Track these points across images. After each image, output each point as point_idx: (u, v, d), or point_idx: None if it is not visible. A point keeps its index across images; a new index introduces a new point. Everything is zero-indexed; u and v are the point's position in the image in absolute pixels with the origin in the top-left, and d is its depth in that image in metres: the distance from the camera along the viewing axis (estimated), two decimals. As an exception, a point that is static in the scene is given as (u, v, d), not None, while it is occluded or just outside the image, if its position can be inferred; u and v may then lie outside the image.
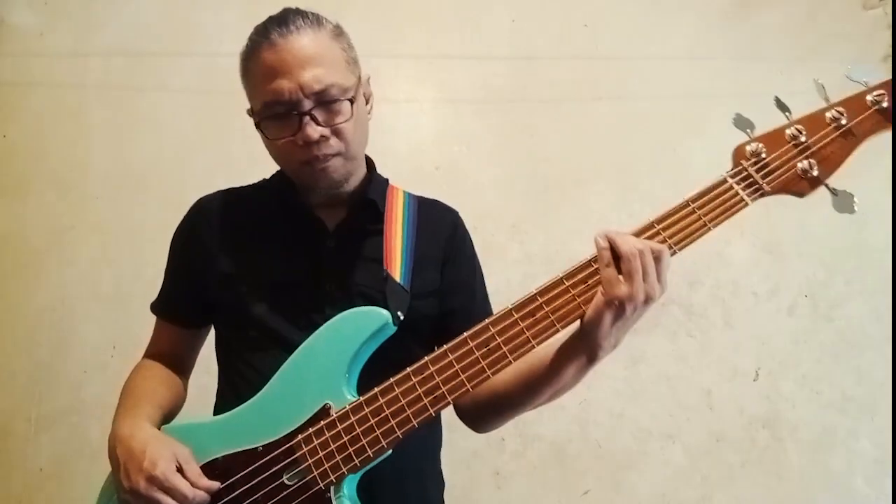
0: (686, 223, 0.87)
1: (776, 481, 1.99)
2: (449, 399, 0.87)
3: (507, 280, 2.05)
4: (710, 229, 0.86)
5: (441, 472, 1.11)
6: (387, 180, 1.15)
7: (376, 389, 0.88)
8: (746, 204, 0.87)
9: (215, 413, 1.03)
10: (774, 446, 2.01)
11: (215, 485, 0.88)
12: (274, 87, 0.93)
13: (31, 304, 2.06)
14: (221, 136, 2.10)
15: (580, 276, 0.87)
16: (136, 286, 2.02)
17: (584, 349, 0.87)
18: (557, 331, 0.87)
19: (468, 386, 0.86)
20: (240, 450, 0.90)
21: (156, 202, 2.09)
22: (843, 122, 0.87)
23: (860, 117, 0.87)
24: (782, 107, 0.90)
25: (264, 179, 1.16)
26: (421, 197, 1.16)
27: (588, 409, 2.01)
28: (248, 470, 0.89)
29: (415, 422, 0.87)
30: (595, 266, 0.86)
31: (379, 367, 0.92)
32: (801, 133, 0.88)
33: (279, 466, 0.88)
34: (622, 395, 2.03)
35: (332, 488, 0.86)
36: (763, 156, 0.88)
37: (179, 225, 1.14)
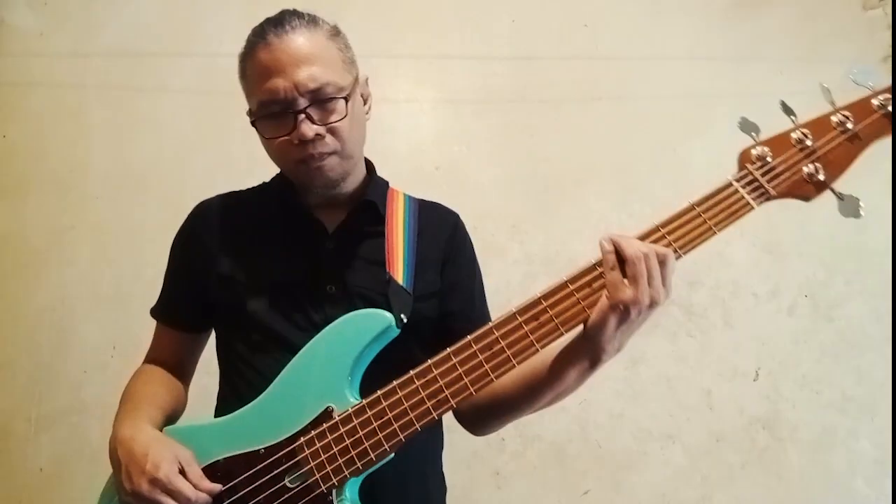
0: (691, 227, 0.86)
1: (776, 481, 1.99)
2: (452, 402, 0.86)
3: (507, 280, 2.05)
4: (715, 233, 0.86)
5: (443, 475, 1.12)
6: (387, 183, 1.15)
7: (379, 392, 0.88)
8: (752, 208, 0.87)
9: (216, 415, 1.03)
10: (774, 446, 2.01)
11: (217, 487, 0.88)
12: (269, 86, 0.93)
13: (31, 304, 2.06)
14: (221, 136, 2.10)
15: (585, 279, 0.86)
16: (136, 286, 2.02)
17: (587, 353, 0.87)
18: (561, 334, 0.86)
19: (471, 389, 0.86)
20: (242, 452, 0.90)
21: (156, 202, 2.09)
22: (850, 125, 0.87)
23: (866, 121, 0.87)
24: (788, 110, 0.89)
25: (264, 182, 1.16)
26: (421, 199, 1.16)
27: (588, 409, 2.01)
28: (249, 472, 0.89)
29: (418, 425, 0.86)
30: (600, 270, 0.85)
31: (380, 369, 0.92)
32: (806, 137, 0.88)
33: (281, 469, 0.88)
34: (622, 395, 2.03)
35: (334, 491, 0.86)
36: (768, 159, 0.88)
37: (179, 229, 1.14)
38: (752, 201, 0.87)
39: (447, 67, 2.23)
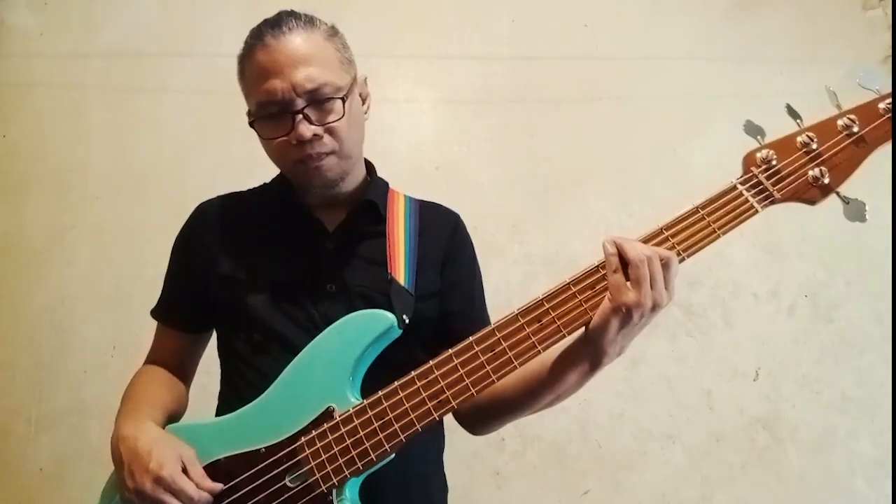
0: (695, 230, 0.86)
1: (776, 482, 1.99)
2: (454, 404, 0.86)
3: (507, 280, 2.05)
4: (719, 236, 0.86)
5: (444, 476, 1.12)
6: (387, 184, 1.15)
7: (380, 393, 0.88)
8: (756, 211, 0.87)
9: (217, 414, 1.04)
10: (774, 447, 2.01)
11: (218, 486, 0.88)
12: (267, 86, 0.94)
13: (31, 304, 2.06)
14: (221, 137, 2.10)
15: (587, 281, 0.86)
16: (136, 286, 2.02)
17: (588, 355, 0.87)
18: (563, 336, 0.86)
19: (473, 391, 0.86)
20: (243, 451, 0.90)
21: (156, 202, 2.09)
22: (855, 129, 0.87)
23: (872, 125, 0.87)
24: (793, 114, 0.89)
25: (265, 183, 1.16)
26: (422, 200, 1.16)
27: (588, 409, 2.01)
28: (250, 472, 0.89)
29: (419, 425, 0.86)
30: (602, 272, 0.85)
31: (381, 369, 0.92)
32: (812, 140, 0.88)
33: (282, 468, 0.88)
34: (622, 395, 2.03)
35: (334, 491, 0.86)
36: (773, 163, 0.88)
37: (180, 230, 1.14)
38: (756, 204, 0.87)
39: (447, 67, 2.23)
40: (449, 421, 1.07)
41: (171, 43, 2.22)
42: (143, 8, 2.25)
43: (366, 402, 0.88)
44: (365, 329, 0.92)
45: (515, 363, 0.86)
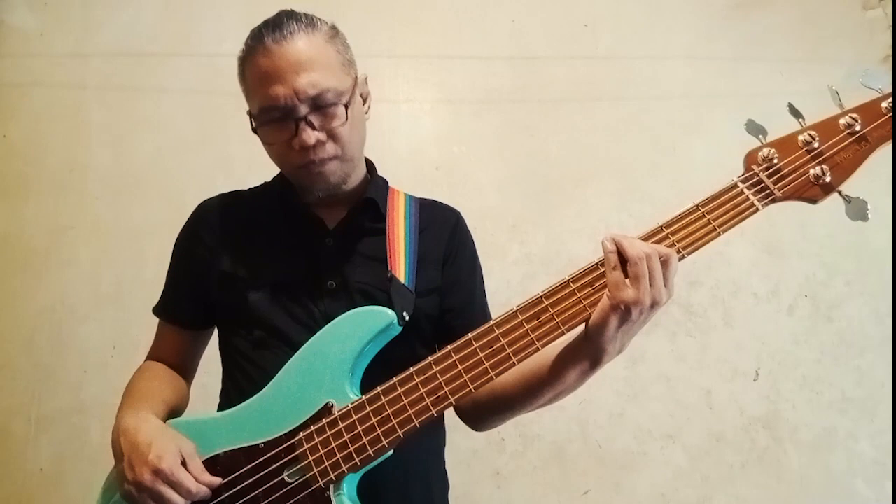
0: (695, 227, 0.86)
1: (776, 482, 1.99)
2: (451, 400, 0.86)
3: (507, 280, 2.05)
4: (719, 234, 0.86)
5: (445, 473, 1.12)
6: (387, 182, 1.16)
7: (379, 389, 0.88)
8: (757, 209, 0.87)
9: (219, 410, 1.04)
10: (774, 447, 2.01)
11: (217, 480, 0.88)
12: (269, 92, 0.93)
13: (31, 304, 2.06)
14: (221, 136, 2.10)
15: (587, 279, 0.86)
16: (136, 286, 2.02)
17: (587, 353, 0.87)
18: (562, 333, 0.86)
19: (471, 387, 0.86)
20: (242, 446, 0.91)
21: (156, 202, 2.09)
22: (857, 128, 0.87)
23: (874, 124, 0.87)
24: (795, 113, 0.89)
25: (266, 182, 1.16)
26: (422, 198, 1.17)
27: (588, 409, 2.01)
28: (249, 466, 0.89)
29: (416, 422, 0.86)
30: (602, 269, 0.85)
31: (382, 366, 0.92)
32: (813, 139, 0.87)
33: (280, 463, 0.88)
34: (622, 395, 2.03)
35: (331, 486, 0.87)
36: (775, 161, 0.88)
37: (182, 228, 1.14)
38: (757, 203, 0.86)
39: (447, 67, 2.23)
40: (449, 420, 1.07)
41: (171, 43, 2.23)
42: (143, 8, 2.25)
43: (364, 397, 0.88)
44: (365, 325, 0.93)
45: (514, 360, 0.86)
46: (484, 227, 1.93)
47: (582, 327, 0.87)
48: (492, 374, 0.86)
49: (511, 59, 2.25)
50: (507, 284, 2.04)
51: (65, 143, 2.16)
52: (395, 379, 0.88)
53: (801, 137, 0.88)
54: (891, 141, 0.87)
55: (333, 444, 0.87)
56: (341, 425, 0.87)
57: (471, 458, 1.95)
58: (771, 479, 1.99)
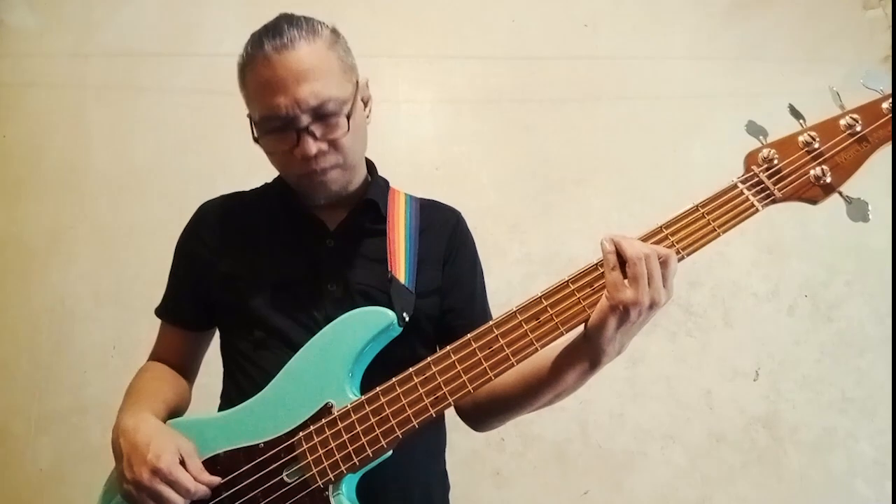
0: (695, 228, 0.86)
1: (776, 482, 1.99)
2: (450, 400, 0.86)
3: (507, 280, 2.05)
4: (719, 235, 0.86)
5: (446, 474, 1.12)
6: (387, 183, 1.16)
7: (378, 389, 0.88)
8: (757, 210, 0.86)
9: (220, 410, 1.04)
10: (774, 447, 2.01)
11: (216, 480, 0.88)
12: (270, 102, 0.93)
13: (31, 304, 2.06)
14: (221, 136, 2.10)
15: (586, 279, 0.86)
16: (136, 286, 2.02)
17: (587, 354, 0.87)
18: (561, 334, 0.86)
19: (470, 387, 0.86)
20: (242, 446, 0.91)
21: (156, 202, 2.09)
22: (858, 129, 0.86)
23: (875, 124, 0.86)
24: (796, 114, 0.89)
25: (266, 183, 1.16)
26: (422, 199, 1.16)
27: (588, 409, 2.01)
28: (248, 466, 0.89)
29: (415, 422, 0.86)
30: (601, 270, 0.85)
31: (383, 366, 0.92)
32: (814, 140, 0.87)
33: (279, 463, 0.88)
34: (622, 395, 2.03)
35: (330, 487, 0.86)
36: (775, 162, 0.87)
37: (183, 230, 1.14)
38: (757, 203, 0.86)
39: (447, 67, 2.23)
40: (449, 420, 1.07)
41: (171, 43, 2.23)
42: (143, 8, 2.25)
43: (363, 398, 0.88)
44: (365, 326, 0.93)
45: (513, 360, 0.86)
46: (484, 227, 1.93)
47: (581, 328, 0.87)
48: (491, 374, 0.86)
49: (511, 59, 2.25)
50: (507, 284, 2.03)
51: (64, 143, 2.16)
52: (394, 379, 0.88)
53: (801, 138, 0.88)
54: (891, 141, 0.87)
55: (332, 445, 0.87)
56: (340, 425, 0.87)
57: (471, 458, 1.95)
58: (771, 479, 1.99)
